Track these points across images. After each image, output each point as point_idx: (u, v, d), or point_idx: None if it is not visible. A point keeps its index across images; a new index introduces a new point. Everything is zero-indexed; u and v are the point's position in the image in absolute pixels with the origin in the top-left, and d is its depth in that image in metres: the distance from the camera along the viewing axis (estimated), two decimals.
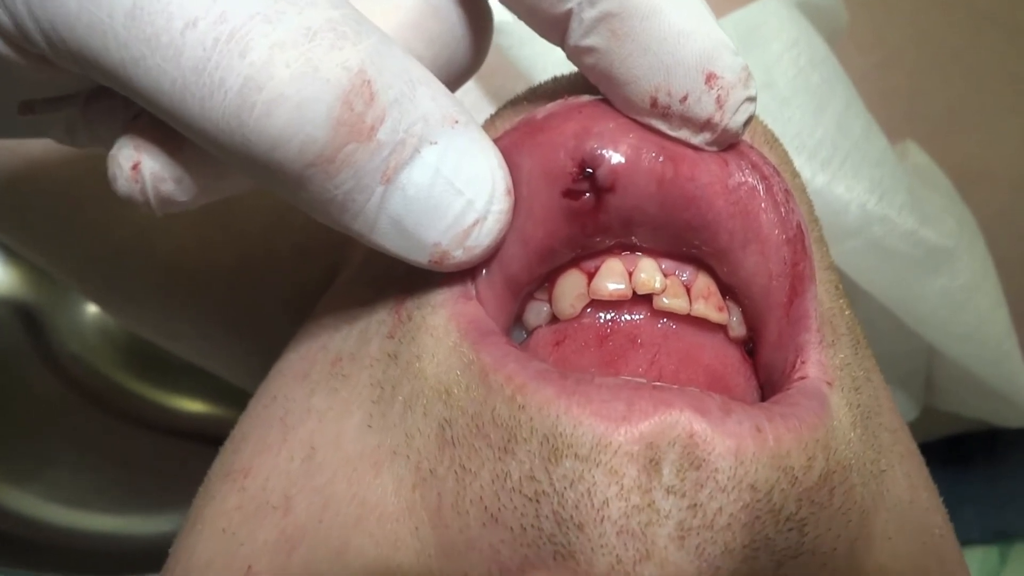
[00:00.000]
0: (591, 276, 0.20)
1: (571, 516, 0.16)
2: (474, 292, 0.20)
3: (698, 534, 0.16)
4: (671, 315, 0.20)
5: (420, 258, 0.18)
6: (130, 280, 0.41)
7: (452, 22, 0.20)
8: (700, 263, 0.20)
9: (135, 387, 0.68)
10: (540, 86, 0.23)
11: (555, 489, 0.16)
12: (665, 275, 0.20)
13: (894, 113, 0.41)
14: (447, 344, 0.19)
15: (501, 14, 0.21)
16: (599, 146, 0.18)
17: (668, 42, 0.17)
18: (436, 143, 0.17)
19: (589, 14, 0.18)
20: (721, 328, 0.20)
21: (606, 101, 0.19)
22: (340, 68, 0.16)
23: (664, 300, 0.20)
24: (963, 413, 0.43)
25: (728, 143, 0.19)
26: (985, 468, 0.52)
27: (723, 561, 0.16)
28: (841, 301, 0.22)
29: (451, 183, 0.17)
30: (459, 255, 0.18)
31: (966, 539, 0.50)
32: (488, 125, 0.23)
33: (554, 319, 0.21)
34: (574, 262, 0.20)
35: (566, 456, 0.16)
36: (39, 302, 0.68)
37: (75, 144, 0.22)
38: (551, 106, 0.20)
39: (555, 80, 0.23)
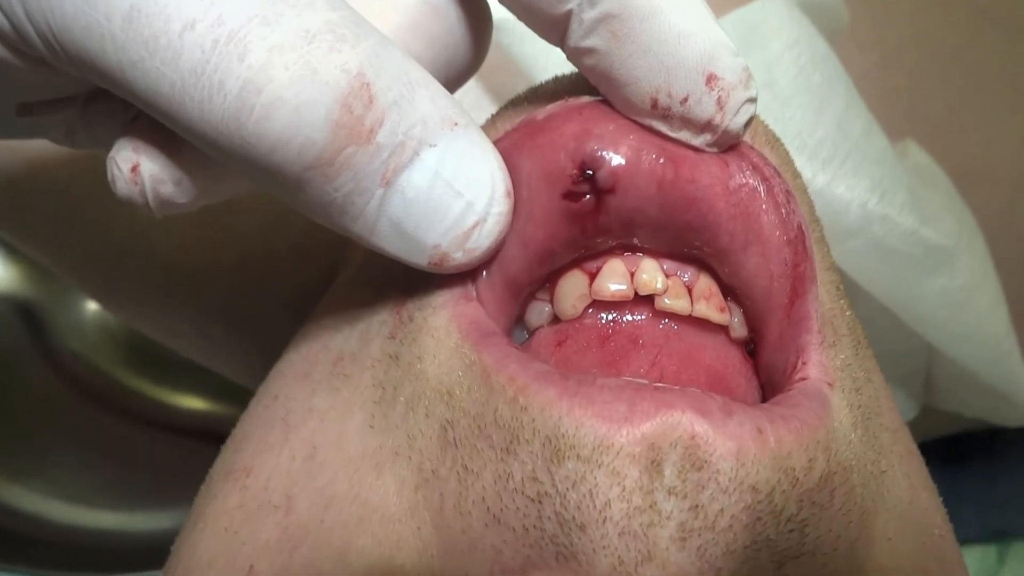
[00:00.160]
0: (593, 277, 0.20)
1: (573, 517, 0.16)
2: (474, 293, 0.20)
3: (699, 535, 0.16)
4: (673, 316, 0.20)
5: (420, 260, 0.18)
6: (130, 279, 0.41)
7: (451, 22, 0.20)
8: (702, 264, 0.20)
9: (135, 384, 0.68)
10: (541, 86, 0.23)
11: (557, 490, 0.16)
12: (667, 276, 0.20)
13: (894, 112, 0.41)
14: (448, 345, 0.19)
15: (502, 11, 0.21)
16: (599, 148, 0.18)
17: (668, 43, 0.17)
18: (435, 145, 0.17)
19: (589, 15, 0.18)
20: (722, 329, 0.20)
21: (606, 102, 0.19)
22: (339, 71, 0.16)
23: (666, 301, 0.20)
24: (962, 412, 0.43)
25: (729, 144, 0.19)
26: (984, 467, 0.52)
27: (724, 562, 0.16)
28: (842, 302, 0.22)
29: (450, 185, 0.17)
30: (459, 257, 0.18)
31: (964, 538, 0.50)
32: (489, 125, 0.23)
33: (556, 319, 0.21)
34: (576, 263, 0.20)
35: (568, 457, 0.16)
36: (39, 299, 0.68)
37: (73, 145, 0.22)
38: (551, 107, 0.20)
39: (556, 80, 0.23)
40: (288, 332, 0.27)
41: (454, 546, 0.17)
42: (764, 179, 0.19)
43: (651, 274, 0.20)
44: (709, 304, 0.20)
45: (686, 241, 0.19)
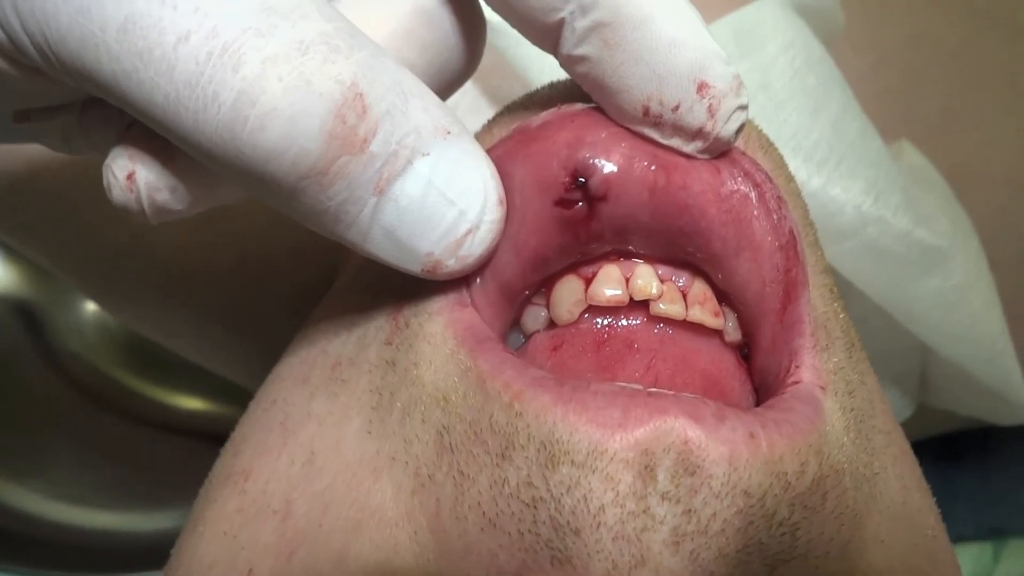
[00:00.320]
0: (588, 282, 0.20)
1: (568, 522, 0.16)
2: (469, 299, 0.20)
3: (692, 539, 0.16)
4: (667, 320, 0.20)
5: (413, 267, 0.18)
6: (129, 280, 0.41)
7: (445, 30, 0.20)
8: (696, 269, 0.20)
9: (135, 385, 0.68)
10: (536, 92, 0.23)
11: (552, 495, 0.16)
12: (662, 281, 0.20)
13: (890, 113, 0.41)
14: (444, 351, 0.19)
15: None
16: (591, 155, 0.19)
17: (660, 52, 0.18)
18: (428, 154, 0.17)
19: (581, 23, 0.18)
20: (717, 333, 0.21)
21: (599, 109, 0.19)
22: (333, 82, 0.16)
23: (661, 306, 0.20)
24: (957, 411, 0.43)
25: (720, 151, 0.19)
26: (978, 465, 0.53)
27: (717, 566, 0.16)
28: (835, 304, 0.22)
29: (443, 194, 0.18)
30: (452, 264, 0.18)
31: (959, 536, 0.50)
32: (484, 132, 0.24)
33: (552, 324, 0.21)
34: (571, 268, 0.21)
35: (563, 462, 0.16)
36: (39, 300, 0.68)
37: (70, 151, 0.22)
38: (545, 115, 0.20)
39: (551, 86, 0.23)
40: (287, 333, 0.27)
41: (450, 550, 0.17)
42: (756, 185, 0.19)
43: (646, 279, 0.20)
44: (703, 309, 0.20)
45: (679, 247, 0.20)
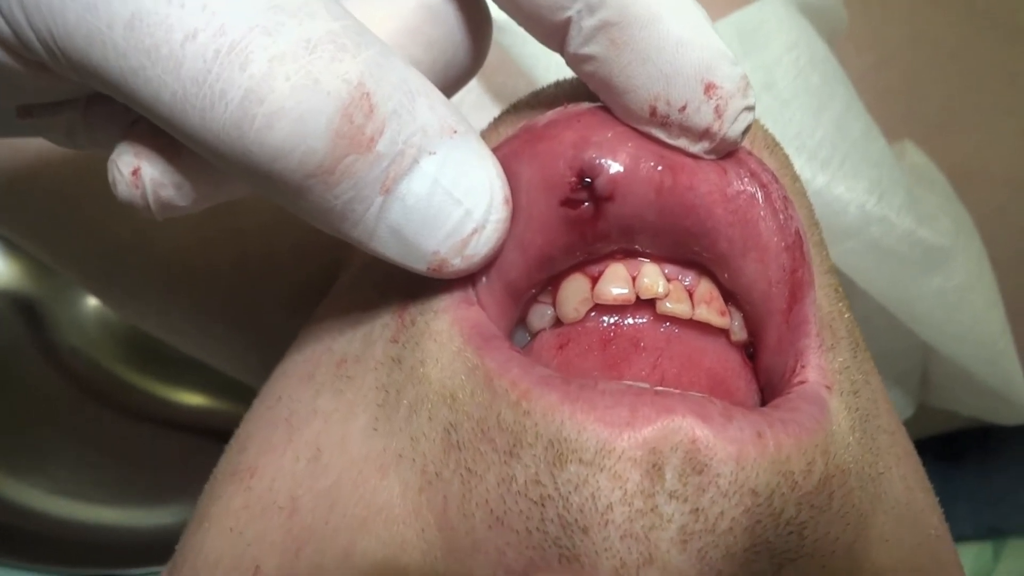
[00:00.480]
0: (595, 280, 0.20)
1: (576, 520, 0.16)
2: (475, 298, 0.20)
3: (700, 538, 0.16)
4: (674, 319, 0.20)
5: (419, 266, 0.18)
6: (130, 276, 0.41)
7: (450, 27, 0.20)
8: (702, 268, 0.20)
9: (136, 380, 0.68)
10: (542, 91, 0.23)
11: (560, 493, 0.16)
12: (668, 280, 0.20)
13: (892, 113, 0.41)
14: (451, 349, 0.19)
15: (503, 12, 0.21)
16: (598, 155, 0.19)
17: (667, 52, 0.18)
18: (435, 153, 0.17)
19: (588, 23, 0.18)
20: (723, 332, 0.21)
21: (606, 109, 0.19)
22: (340, 81, 0.16)
23: (667, 305, 0.20)
24: (958, 411, 0.43)
25: (727, 151, 0.19)
26: (979, 464, 0.53)
27: (724, 564, 0.16)
28: (840, 304, 0.22)
29: (449, 193, 0.18)
30: (457, 263, 0.18)
31: (960, 535, 0.51)
32: (491, 130, 0.24)
33: (558, 322, 0.21)
34: (578, 266, 0.21)
35: (571, 461, 0.16)
36: (39, 295, 0.68)
37: (73, 146, 0.22)
38: (551, 114, 0.20)
39: (557, 85, 0.23)
40: (288, 329, 0.27)
41: (458, 548, 0.17)
42: (762, 185, 0.19)
43: (653, 278, 0.20)
44: (710, 308, 0.20)
45: (685, 247, 0.20)
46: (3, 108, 0.20)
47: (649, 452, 0.16)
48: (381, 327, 0.21)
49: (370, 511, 0.18)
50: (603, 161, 0.19)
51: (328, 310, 0.25)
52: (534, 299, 0.21)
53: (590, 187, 0.19)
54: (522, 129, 0.20)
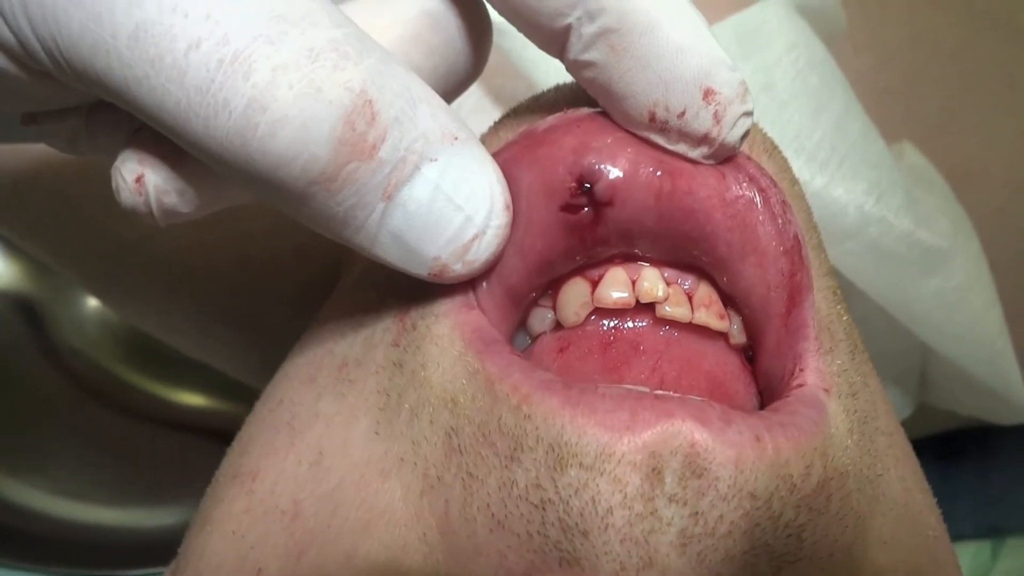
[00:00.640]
0: (595, 284, 0.20)
1: (576, 523, 0.16)
2: (475, 302, 0.20)
3: (699, 541, 0.16)
4: (673, 323, 0.20)
5: (420, 271, 0.19)
6: (131, 277, 0.41)
7: (451, 33, 0.21)
8: (702, 272, 0.20)
9: (136, 381, 0.68)
10: (542, 95, 0.23)
11: (560, 497, 0.16)
12: (667, 284, 0.20)
13: (890, 114, 0.41)
14: (452, 353, 0.19)
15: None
16: (597, 161, 0.19)
17: (666, 58, 0.18)
18: (436, 160, 0.17)
19: (588, 29, 0.18)
20: (722, 336, 0.21)
21: (605, 114, 0.20)
22: (342, 89, 0.16)
23: (667, 308, 0.20)
24: (957, 411, 0.43)
25: (725, 157, 0.19)
26: (977, 464, 0.53)
27: (723, 568, 0.16)
28: (839, 307, 0.23)
29: (451, 199, 0.18)
30: (458, 268, 0.19)
31: (958, 534, 0.51)
32: (491, 134, 0.24)
33: (558, 326, 0.21)
34: (578, 270, 0.21)
35: (571, 465, 0.16)
36: (40, 296, 0.68)
37: (76, 153, 0.22)
38: (551, 119, 0.20)
39: (557, 89, 0.23)
40: (289, 331, 0.27)
41: (459, 551, 0.17)
42: (761, 190, 0.19)
43: (652, 282, 0.20)
44: (709, 311, 0.20)
45: (684, 251, 0.20)
46: (8, 115, 0.20)
47: (649, 456, 0.16)
48: (382, 331, 0.21)
49: (372, 515, 0.19)
50: (603, 166, 0.19)
51: (330, 313, 0.25)
52: (534, 303, 0.21)
53: (590, 192, 0.19)
54: (522, 134, 0.20)
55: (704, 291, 0.20)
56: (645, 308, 0.21)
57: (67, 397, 0.66)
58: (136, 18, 0.16)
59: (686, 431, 0.16)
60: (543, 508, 0.16)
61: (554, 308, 0.21)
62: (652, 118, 0.18)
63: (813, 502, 0.17)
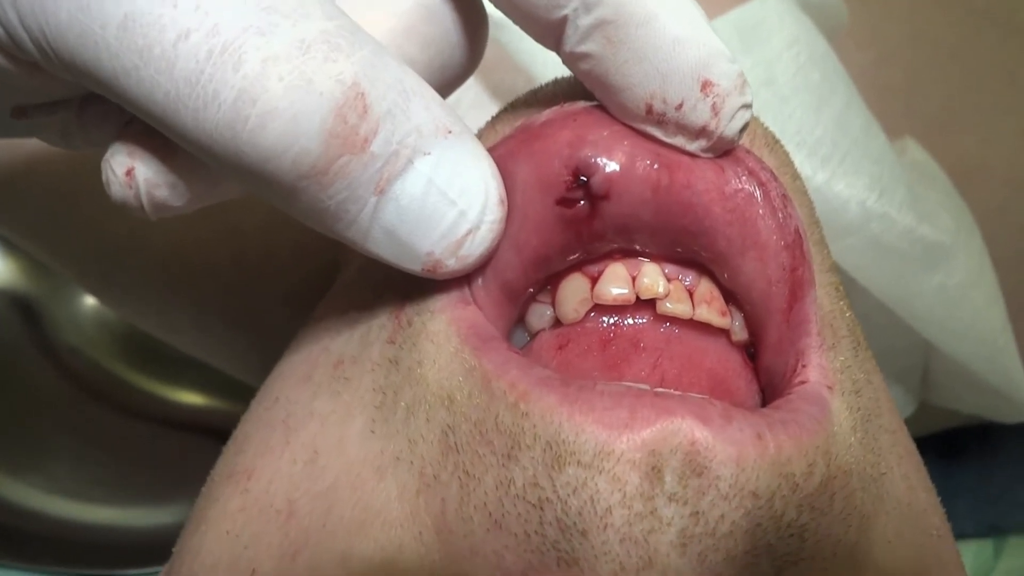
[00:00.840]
0: (594, 280, 0.20)
1: (574, 523, 0.16)
2: (471, 297, 0.20)
3: (700, 541, 0.16)
4: (674, 319, 0.20)
5: (413, 266, 0.18)
6: (128, 275, 0.41)
7: (447, 26, 0.20)
8: (702, 268, 0.20)
9: (134, 379, 0.68)
10: (540, 89, 0.23)
11: (558, 496, 0.16)
12: (668, 280, 0.20)
13: (892, 110, 0.41)
14: (448, 350, 0.19)
15: None
16: (593, 154, 0.18)
17: (663, 50, 0.17)
18: (429, 154, 0.17)
19: (584, 21, 0.18)
20: (723, 332, 0.21)
21: (602, 107, 0.19)
22: (334, 81, 0.16)
23: (667, 305, 0.20)
24: (959, 408, 0.43)
25: (724, 150, 0.19)
26: (979, 462, 0.53)
27: (724, 568, 0.16)
28: (842, 303, 0.22)
29: (444, 193, 0.17)
30: (452, 264, 0.18)
31: (960, 533, 0.50)
32: (488, 128, 0.23)
33: (557, 322, 0.21)
34: (577, 266, 0.20)
35: (569, 463, 0.16)
36: (38, 294, 0.68)
37: (68, 146, 0.22)
38: (547, 113, 0.20)
39: (555, 83, 0.23)
40: (286, 329, 0.27)
41: (456, 551, 0.17)
42: (760, 184, 0.19)
43: (652, 278, 0.20)
44: (710, 308, 0.20)
45: (684, 245, 0.19)
46: None
47: (648, 454, 0.16)
48: (378, 328, 0.21)
49: (368, 514, 0.18)
50: (599, 160, 0.18)
51: (326, 310, 0.24)
52: (533, 299, 0.21)
53: (586, 186, 0.19)
54: (518, 128, 0.20)
55: (705, 287, 0.20)
56: (645, 304, 0.20)
57: (65, 396, 0.66)
58: (125, 8, 0.15)
59: (686, 429, 0.16)
60: (541, 507, 0.16)
61: (553, 304, 0.21)
62: (649, 110, 0.18)
63: (816, 501, 0.17)
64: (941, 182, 0.40)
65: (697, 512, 0.16)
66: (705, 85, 0.18)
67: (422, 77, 0.18)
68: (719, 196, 0.19)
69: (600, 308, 0.20)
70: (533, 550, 0.16)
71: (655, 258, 0.20)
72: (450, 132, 0.18)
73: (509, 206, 0.19)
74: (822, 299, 0.21)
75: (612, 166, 0.18)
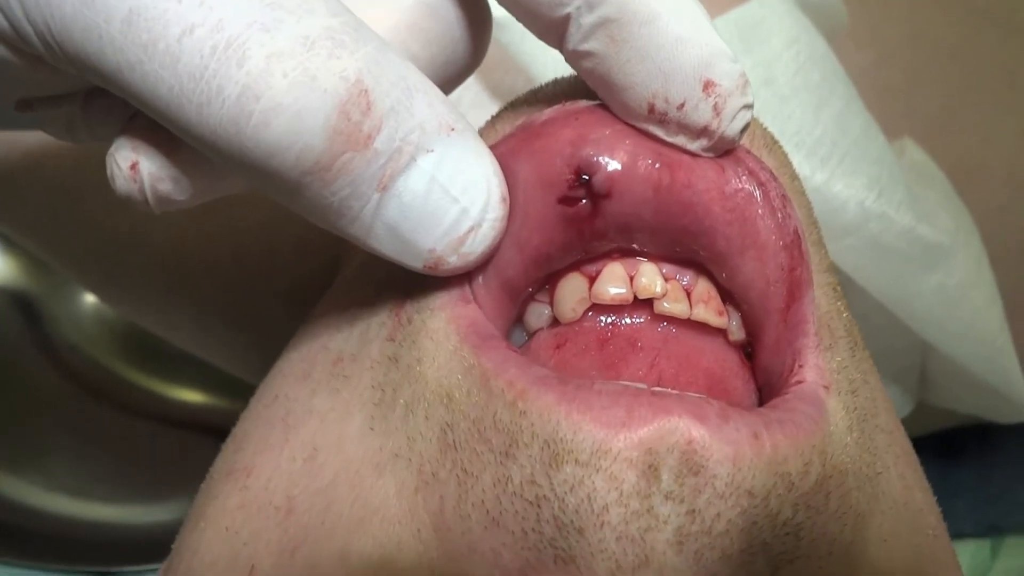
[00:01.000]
0: (592, 280, 0.20)
1: (571, 521, 0.16)
2: (471, 295, 0.20)
3: (696, 539, 0.16)
4: (671, 319, 0.20)
5: (415, 263, 0.18)
6: (128, 272, 0.41)
7: (450, 22, 0.20)
8: (700, 267, 0.20)
9: (133, 377, 0.68)
10: (541, 89, 0.23)
11: (556, 494, 0.16)
12: (666, 279, 0.20)
13: (891, 110, 0.41)
14: (447, 348, 0.19)
15: (503, 9, 0.21)
16: (595, 153, 0.18)
17: (666, 49, 0.17)
18: (432, 151, 0.17)
19: (587, 19, 0.18)
20: (721, 332, 0.21)
21: (604, 106, 0.19)
22: (337, 78, 0.16)
23: (665, 304, 0.20)
24: (957, 408, 0.43)
25: (725, 150, 0.19)
26: (977, 462, 0.53)
27: (720, 566, 0.16)
28: (839, 303, 0.22)
29: (446, 191, 0.18)
30: (454, 261, 0.18)
31: (958, 533, 0.51)
32: (489, 127, 0.23)
33: (555, 322, 0.21)
34: (575, 265, 0.21)
35: (566, 461, 0.16)
36: (37, 292, 0.68)
37: (73, 140, 0.22)
38: (549, 111, 0.20)
39: (556, 83, 0.23)
40: (287, 327, 0.27)
41: (454, 548, 0.17)
42: (760, 184, 0.19)
43: (650, 278, 0.20)
44: (708, 307, 0.20)
45: (683, 245, 0.19)
46: (2, 101, 0.20)
47: (645, 453, 0.16)
48: (378, 325, 0.21)
49: (366, 511, 0.18)
50: (601, 158, 0.18)
51: (326, 307, 0.24)
52: (531, 298, 0.21)
53: (587, 184, 0.19)
54: (520, 127, 0.20)
55: (703, 287, 0.20)
56: (643, 304, 0.20)
57: (65, 393, 0.66)
58: (130, 3, 0.16)
59: (683, 428, 0.16)
60: (538, 505, 0.16)
61: (551, 304, 0.21)
62: (651, 109, 0.18)
63: (811, 500, 0.17)
64: (940, 182, 0.40)
65: (693, 510, 0.16)
66: (707, 85, 0.18)
67: (425, 74, 0.18)
68: (719, 196, 0.19)
69: (598, 307, 0.20)
70: (530, 548, 0.16)
71: (653, 258, 0.20)
72: (453, 129, 0.18)
73: (511, 204, 0.19)
74: (820, 299, 0.21)
75: (614, 165, 0.18)
